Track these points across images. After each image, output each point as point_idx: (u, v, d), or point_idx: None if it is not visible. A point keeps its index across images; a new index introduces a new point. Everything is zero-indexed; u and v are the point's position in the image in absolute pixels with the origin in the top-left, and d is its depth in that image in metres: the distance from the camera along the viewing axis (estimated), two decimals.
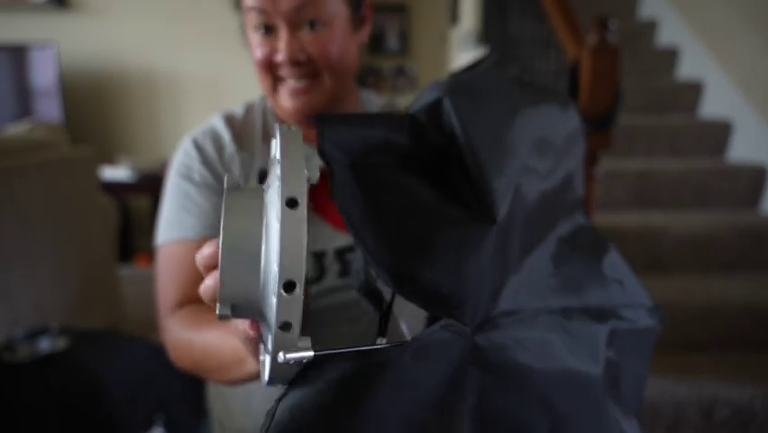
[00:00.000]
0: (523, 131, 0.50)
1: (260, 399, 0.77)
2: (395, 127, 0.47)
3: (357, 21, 0.75)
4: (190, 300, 0.70)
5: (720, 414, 1.51)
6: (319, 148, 0.44)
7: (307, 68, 0.70)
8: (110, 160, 3.56)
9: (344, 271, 0.74)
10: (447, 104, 0.48)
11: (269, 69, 0.71)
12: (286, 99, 0.72)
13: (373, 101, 0.87)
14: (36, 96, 3.21)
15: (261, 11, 0.67)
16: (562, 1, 1.57)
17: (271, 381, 0.42)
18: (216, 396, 0.85)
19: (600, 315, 0.51)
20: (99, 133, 3.58)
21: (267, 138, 0.79)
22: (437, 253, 0.41)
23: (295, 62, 0.69)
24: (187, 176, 0.75)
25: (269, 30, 0.69)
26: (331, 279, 0.73)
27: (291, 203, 0.39)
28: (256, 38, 0.70)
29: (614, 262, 0.59)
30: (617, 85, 1.32)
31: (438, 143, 0.47)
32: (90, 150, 1.98)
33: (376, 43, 4.80)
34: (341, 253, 0.74)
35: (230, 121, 0.80)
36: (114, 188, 3.07)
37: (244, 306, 0.42)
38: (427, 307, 0.42)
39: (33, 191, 1.63)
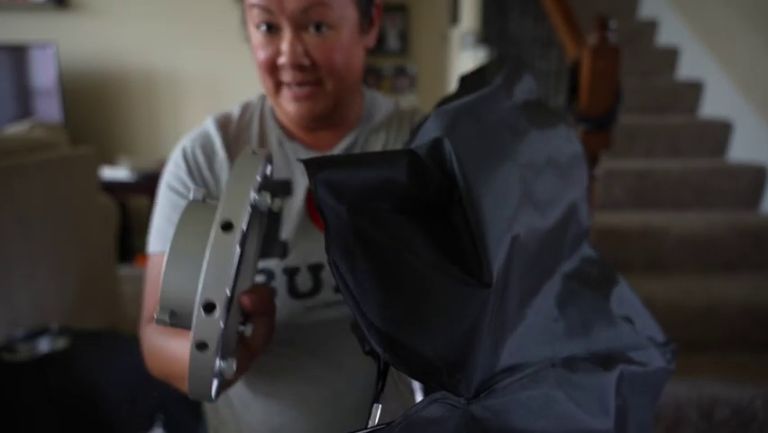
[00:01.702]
0: (525, 166, 0.48)
1: (256, 409, 0.75)
2: (394, 166, 0.45)
3: (366, 25, 0.73)
4: None
5: (720, 414, 1.51)
6: (313, 194, 0.42)
7: (311, 73, 0.67)
8: (110, 160, 3.56)
9: None
10: (447, 146, 0.45)
11: (272, 71, 0.68)
12: (288, 103, 0.70)
13: (380, 103, 0.84)
14: (36, 96, 3.21)
15: (265, 9, 0.64)
16: (563, 0, 1.57)
17: (191, 394, 0.43)
18: (210, 406, 0.84)
19: (608, 361, 0.49)
20: (99, 133, 3.58)
21: (263, 142, 0.77)
22: (429, 320, 0.39)
23: (298, 67, 0.66)
24: (174, 187, 0.74)
25: (271, 29, 0.66)
26: (327, 293, 0.71)
27: (226, 226, 0.39)
28: (258, 36, 0.67)
29: (623, 295, 0.56)
30: (618, 84, 1.32)
31: (440, 182, 0.45)
32: (90, 150, 1.98)
33: (376, 43, 4.80)
34: None
35: (223, 125, 0.77)
36: (113, 188, 3.06)
37: (182, 316, 0.42)
38: (418, 377, 0.40)
39: (33, 191, 1.63)
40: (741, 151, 2.41)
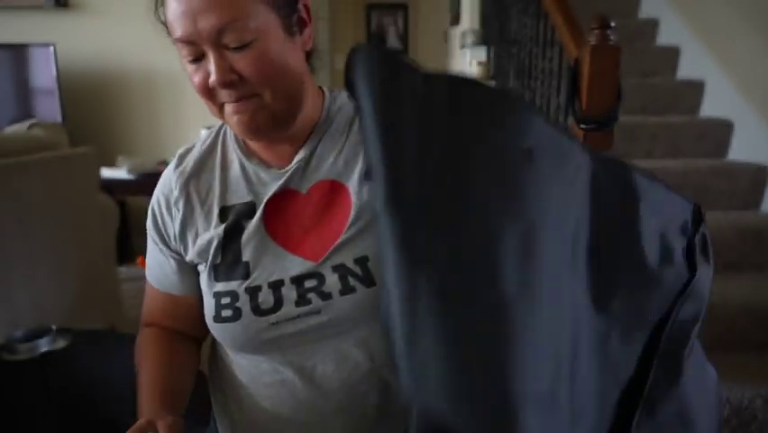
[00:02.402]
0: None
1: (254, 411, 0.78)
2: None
3: (293, 26, 0.70)
4: (153, 323, 0.84)
5: (720, 414, 1.51)
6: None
7: (244, 87, 0.67)
8: (109, 160, 3.56)
9: (302, 299, 0.71)
10: None
11: (209, 95, 0.69)
12: (231, 119, 0.70)
13: (342, 104, 0.79)
14: (35, 96, 3.20)
15: (186, 41, 0.66)
16: (563, 0, 1.57)
17: None
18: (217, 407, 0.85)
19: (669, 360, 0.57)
20: (99, 134, 3.58)
21: (225, 164, 0.79)
22: None
23: (228, 84, 0.66)
24: (151, 234, 0.81)
25: (199, 58, 0.67)
26: (288, 308, 0.71)
27: None
28: (190, 67, 0.69)
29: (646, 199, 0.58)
30: (619, 84, 1.32)
31: None
32: (90, 149, 1.98)
33: (376, 43, 4.80)
34: (298, 281, 0.71)
35: (181, 158, 0.81)
36: (113, 188, 3.06)
37: None
38: None
39: (33, 191, 1.63)
40: (741, 151, 2.41)
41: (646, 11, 3.21)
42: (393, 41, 4.81)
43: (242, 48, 0.65)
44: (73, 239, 1.84)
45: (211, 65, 0.66)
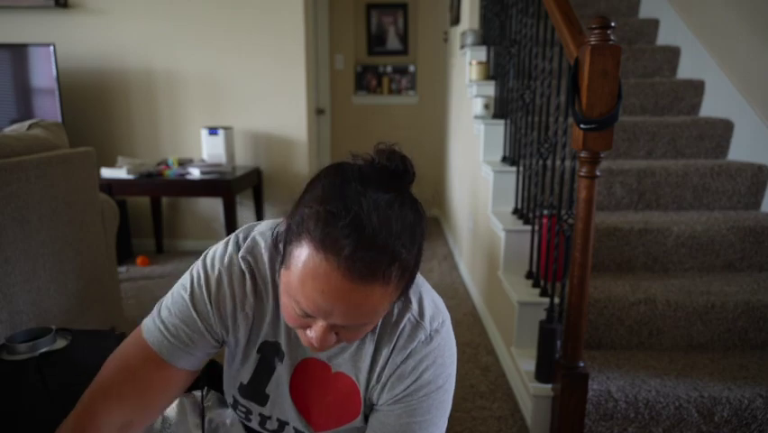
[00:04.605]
0: None
1: None
2: None
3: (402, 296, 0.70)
4: (106, 392, 0.73)
5: (720, 414, 1.51)
6: None
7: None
8: (110, 160, 3.56)
9: None
10: None
11: (298, 325, 0.67)
12: (303, 337, 0.68)
13: (393, 314, 0.76)
14: (35, 96, 3.21)
15: (307, 313, 0.63)
16: (563, 0, 1.57)
17: None
18: None
19: None
20: (98, 133, 3.58)
21: (276, 317, 0.76)
22: None
23: (325, 347, 0.66)
24: (193, 296, 0.73)
25: (309, 315, 0.64)
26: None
27: None
28: (291, 309, 0.65)
29: None
30: (619, 84, 1.32)
31: None
32: (90, 149, 1.98)
33: (376, 43, 4.80)
34: (298, 431, 0.82)
35: (253, 267, 0.74)
36: (113, 188, 3.06)
37: None
38: None
39: (33, 191, 1.63)
40: (741, 151, 2.41)
41: (646, 11, 3.21)
42: (393, 41, 4.80)
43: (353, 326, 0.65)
44: (73, 239, 1.83)
45: (317, 331, 0.64)
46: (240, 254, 0.74)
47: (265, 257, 0.74)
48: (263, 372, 0.79)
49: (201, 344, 0.74)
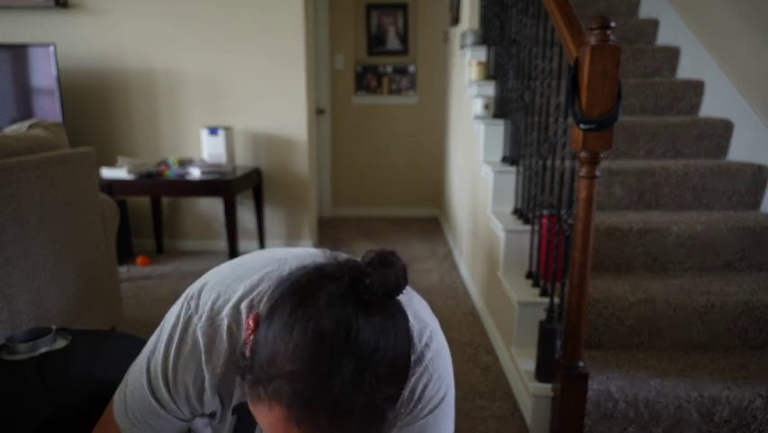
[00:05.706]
0: None
1: None
2: None
3: None
4: None
5: (720, 414, 1.51)
6: None
7: None
8: (110, 160, 3.56)
9: None
10: None
11: None
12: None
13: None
14: (35, 96, 3.21)
15: None
16: (563, 0, 1.57)
17: None
18: None
19: None
20: (98, 133, 3.58)
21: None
22: None
23: None
24: (152, 386, 0.71)
25: None
26: None
27: None
28: (269, 419, 0.57)
29: None
30: (619, 84, 1.32)
31: None
32: (90, 149, 1.98)
33: (376, 43, 4.80)
34: None
35: (212, 355, 0.70)
36: (113, 188, 3.07)
37: None
38: None
39: (33, 191, 1.63)
40: (741, 151, 2.41)
41: (646, 11, 3.21)
42: (393, 42, 4.80)
43: None
44: (73, 239, 1.84)
45: None
46: (199, 325, 0.70)
47: (224, 335, 0.69)
48: (243, 431, 0.78)
49: (171, 424, 0.74)
